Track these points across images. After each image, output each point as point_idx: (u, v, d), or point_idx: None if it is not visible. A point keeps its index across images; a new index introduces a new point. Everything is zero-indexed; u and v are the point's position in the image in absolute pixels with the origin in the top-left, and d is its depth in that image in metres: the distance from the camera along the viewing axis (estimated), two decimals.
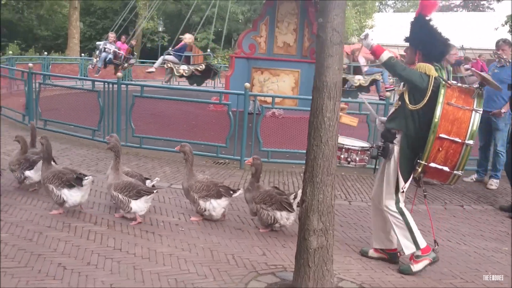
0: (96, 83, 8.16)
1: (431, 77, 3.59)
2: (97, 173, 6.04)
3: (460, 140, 3.43)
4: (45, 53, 20.64)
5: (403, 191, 3.76)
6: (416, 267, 3.80)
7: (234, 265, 3.79)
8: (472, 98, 3.50)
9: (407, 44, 3.92)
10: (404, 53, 4.01)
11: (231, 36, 30.27)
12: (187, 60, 10.50)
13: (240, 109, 6.91)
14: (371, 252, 4.12)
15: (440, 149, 3.47)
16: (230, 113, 6.88)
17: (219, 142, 7.05)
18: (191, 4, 25.23)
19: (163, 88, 10.45)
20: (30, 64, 9.02)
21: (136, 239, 4.15)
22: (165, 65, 10.63)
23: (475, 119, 3.43)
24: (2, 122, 9.31)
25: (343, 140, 4.01)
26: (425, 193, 3.80)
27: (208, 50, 13.54)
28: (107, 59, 12.59)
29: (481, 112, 3.44)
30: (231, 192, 4.65)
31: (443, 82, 3.57)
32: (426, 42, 3.73)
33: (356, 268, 3.91)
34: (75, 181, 4.46)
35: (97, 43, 13.29)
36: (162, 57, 10.87)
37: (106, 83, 7.79)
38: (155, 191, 4.52)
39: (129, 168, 5.23)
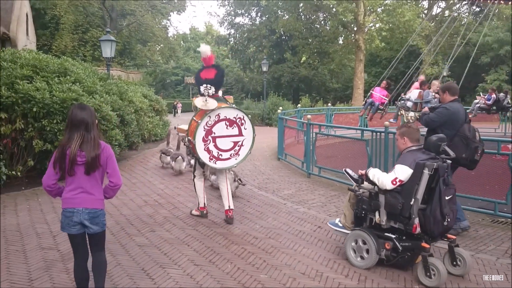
0: (364, 132, 8.26)
1: (193, 106, 6.30)
2: None
3: (192, 140, 5.84)
4: (329, 104, 22.37)
5: (203, 171, 6.27)
6: (194, 212, 6.34)
7: None
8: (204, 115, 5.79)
9: None
10: None
11: None
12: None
13: None
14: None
15: (190, 145, 6.07)
16: (511, 164, 5.83)
17: (498, 198, 6.06)
18: (480, 45, 23.43)
19: None
20: (309, 116, 9.80)
21: None
22: (398, 113, 10.71)
23: (198, 127, 5.72)
24: (286, 167, 10.37)
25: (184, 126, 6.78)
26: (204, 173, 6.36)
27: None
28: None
29: (198, 121, 5.76)
30: None
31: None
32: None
33: None
34: None
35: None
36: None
37: (374, 132, 7.79)
38: None
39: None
